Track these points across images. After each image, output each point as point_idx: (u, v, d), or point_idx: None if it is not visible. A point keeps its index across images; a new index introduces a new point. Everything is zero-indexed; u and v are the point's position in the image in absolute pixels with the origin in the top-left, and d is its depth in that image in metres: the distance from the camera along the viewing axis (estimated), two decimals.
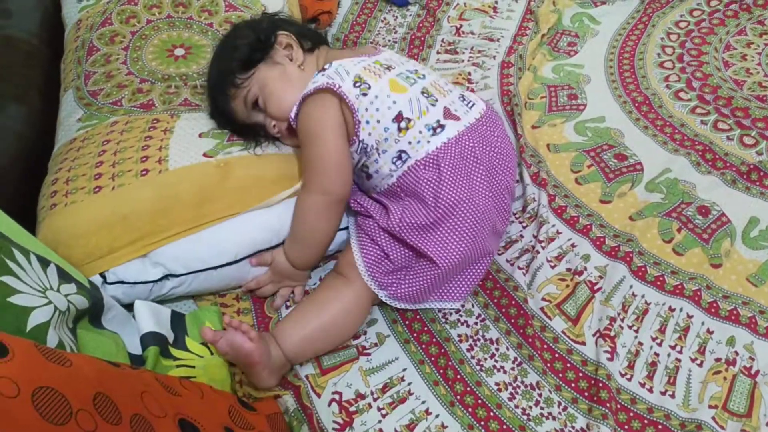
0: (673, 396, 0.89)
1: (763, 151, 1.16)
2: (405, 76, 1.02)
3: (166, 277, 0.96)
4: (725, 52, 1.35)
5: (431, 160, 0.95)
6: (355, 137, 0.99)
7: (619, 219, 1.08)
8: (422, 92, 1.00)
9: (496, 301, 1.00)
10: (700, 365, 0.92)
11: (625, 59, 1.38)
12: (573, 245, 1.05)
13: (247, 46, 1.04)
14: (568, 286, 1.01)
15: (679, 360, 0.92)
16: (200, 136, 1.06)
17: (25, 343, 0.60)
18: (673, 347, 0.94)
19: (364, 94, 0.97)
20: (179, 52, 1.21)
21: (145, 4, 1.26)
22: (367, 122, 0.97)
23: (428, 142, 0.96)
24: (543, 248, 1.05)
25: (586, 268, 1.02)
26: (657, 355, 0.93)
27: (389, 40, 1.49)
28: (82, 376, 0.61)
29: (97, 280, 0.92)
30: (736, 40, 1.37)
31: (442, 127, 0.97)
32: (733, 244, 1.03)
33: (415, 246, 0.94)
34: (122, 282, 0.93)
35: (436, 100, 1.00)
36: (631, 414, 0.88)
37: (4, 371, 0.54)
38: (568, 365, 0.93)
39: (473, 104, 1.04)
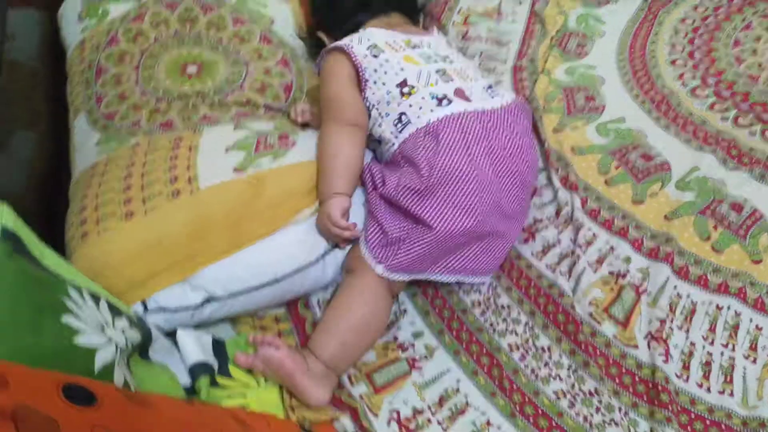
0: (731, 394, 0.89)
1: (729, 118, 1.17)
2: (427, 56, 1.08)
3: (207, 300, 0.93)
4: (735, 47, 1.36)
5: (431, 129, 0.97)
6: (362, 93, 1.06)
7: (654, 219, 1.08)
8: (437, 70, 1.05)
9: (542, 308, 0.99)
10: (754, 362, 0.92)
11: (637, 58, 1.38)
12: (612, 248, 1.05)
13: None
14: (612, 289, 1.00)
15: (732, 358, 0.92)
16: (227, 150, 1.03)
17: (107, 388, 0.57)
18: (725, 345, 0.93)
19: (375, 56, 1.06)
20: (192, 69, 1.17)
21: (152, 21, 1.23)
22: (374, 82, 1.05)
23: (431, 110, 0.99)
24: (583, 252, 1.04)
25: (628, 271, 1.02)
26: (710, 354, 0.93)
27: None
28: (165, 418, 0.58)
29: (137, 308, 0.89)
30: (745, 35, 1.38)
31: (449, 101, 1.00)
32: None
33: (409, 209, 0.93)
34: (164, 309, 0.90)
35: (452, 80, 1.04)
36: (693, 415, 0.88)
37: (97, 419, 0.51)
38: (624, 370, 0.92)
39: (497, 96, 1.05)
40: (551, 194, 1.14)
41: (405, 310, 1.01)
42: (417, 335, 0.98)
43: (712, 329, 0.95)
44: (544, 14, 1.50)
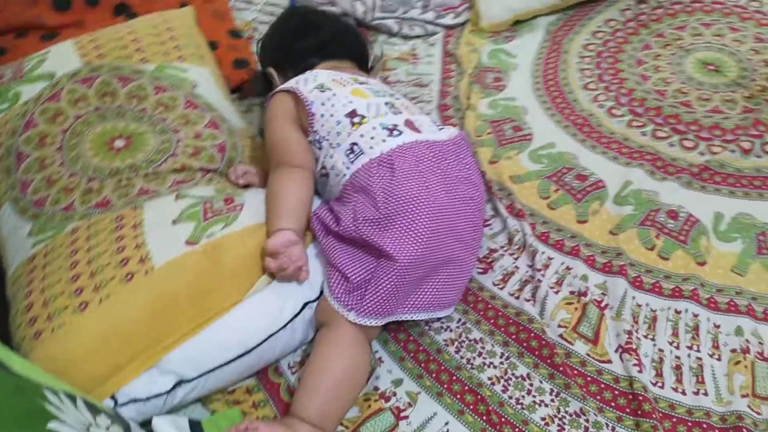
0: (705, 394, 0.93)
1: (705, 151, 1.26)
2: (375, 90, 1.10)
3: (178, 383, 0.88)
4: (638, 66, 1.46)
5: (385, 160, 0.97)
6: (310, 128, 1.06)
7: (601, 235, 1.12)
8: (386, 103, 1.07)
9: (514, 337, 1.00)
10: (719, 359, 0.96)
11: (552, 86, 1.46)
12: (568, 268, 1.08)
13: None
14: (576, 308, 1.03)
15: (699, 359, 0.96)
16: (174, 223, 0.99)
17: None
18: (690, 347, 0.98)
19: (322, 91, 1.07)
20: (119, 143, 1.13)
21: (69, 99, 1.17)
22: (322, 115, 1.05)
23: (383, 141, 0.99)
24: (542, 276, 1.07)
25: (588, 288, 1.05)
26: (678, 358, 0.97)
27: None
28: None
29: (108, 403, 0.82)
30: (645, 54, 1.49)
31: (400, 132, 1.01)
32: (709, 240, 1.10)
33: (370, 241, 0.92)
34: (135, 400, 0.85)
35: (400, 112, 1.06)
36: (674, 420, 0.90)
37: None
38: (603, 386, 0.94)
39: (443, 129, 1.08)
40: (500, 223, 1.17)
41: (381, 359, 1.00)
42: (397, 383, 0.97)
43: (675, 333, 0.99)
44: (457, 53, 1.56)
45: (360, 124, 1.02)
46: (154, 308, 0.88)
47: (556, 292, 1.05)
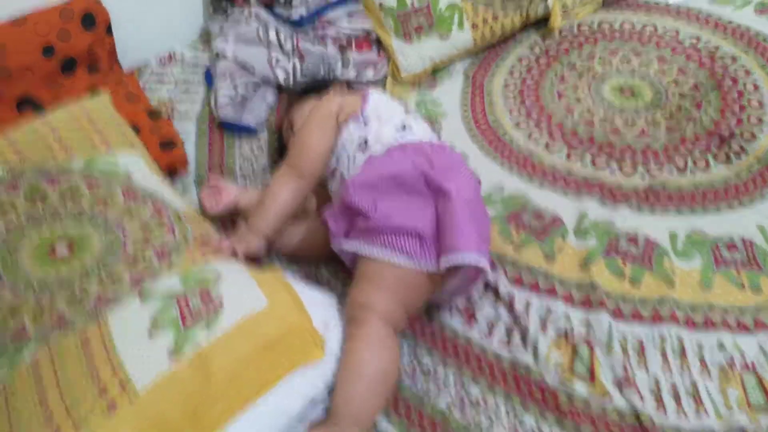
0: (706, 413, 0.95)
1: (644, 174, 1.32)
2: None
3: None
4: (560, 99, 1.52)
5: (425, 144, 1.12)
6: (361, 109, 1.16)
7: (572, 271, 1.14)
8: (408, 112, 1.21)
9: (515, 390, 0.99)
10: (710, 376, 0.99)
11: (485, 129, 1.48)
12: (548, 309, 1.09)
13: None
14: (567, 349, 1.03)
15: (693, 380, 0.99)
16: (150, 334, 0.90)
17: None
18: (681, 370, 1.00)
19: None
20: (62, 250, 1.03)
21: None
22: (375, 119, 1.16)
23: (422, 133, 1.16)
24: (527, 320, 1.07)
25: (572, 327, 1.06)
26: (673, 383, 0.99)
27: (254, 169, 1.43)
28: None
29: None
30: (564, 87, 1.56)
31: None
32: (671, 261, 1.15)
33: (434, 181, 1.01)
34: None
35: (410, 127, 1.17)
36: None
37: None
38: (610, 424, 0.94)
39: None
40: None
41: None
42: None
43: (665, 358, 1.02)
44: None
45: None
46: None
47: (545, 335, 1.05)
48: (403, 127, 1.13)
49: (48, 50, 1.43)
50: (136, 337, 0.89)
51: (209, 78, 1.64)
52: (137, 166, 1.23)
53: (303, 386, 0.89)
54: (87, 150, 1.19)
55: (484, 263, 0.97)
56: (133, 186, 1.16)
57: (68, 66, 1.49)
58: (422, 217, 0.99)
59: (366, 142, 1.12)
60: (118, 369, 0.85)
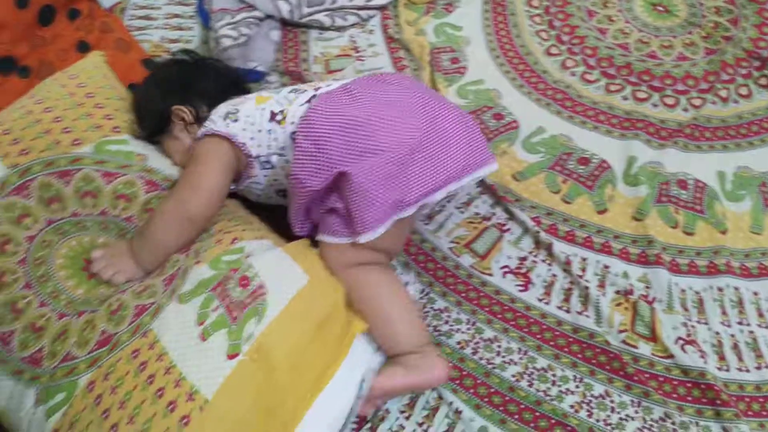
0: (767, 366, 0.98)
1: (687, 106, 1.27)
2: (277, 91, 1.06)
3: None
4: (591, 18, 1.43)
5: (338, 90, 0.98)
6: (250, 157, 1.01)
7: (625, 224, 1.12)
8: (291, 91, 1.04)
9: (581, 356, 1.00)
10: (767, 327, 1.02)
11: (514, 59, 1.40)
12: (605, 266, 1.08)
13: (148, 119, 1.09)
14: (627, 308, 1.04)
15: (752, 332, 1.01)
16: (202, 338, 0.87)
17: None
18: (740, 323, 1.02)
19: (235, 121, 1.01)
20: None
21: (10, 218, 0.96)
22: (251, 138, 1.00)
23: (300, 105, 0.99)
24: (585, 280, 1.06)
25: (632, 285, 1.06)
26: (733, 336, 1.01)
27: None
28: None
29: None
30: (592, 4, 1.46)
31: (315, 95, 1.00)
32: (722, 204, 1.14)
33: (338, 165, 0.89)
34: None
35: (305, 90, 1.03)
36: (747, 399, 0.96)
37: None
38: (676, 383, 0.97)
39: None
40: (519, 227, 1.13)
41: (459, 410, 0.97)
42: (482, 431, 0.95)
43: (724, 312, 1.03)
44: (403, 38, 1.45)
45: (284, 118, 0.99)
46: None
47: (605, 295, 1.05)
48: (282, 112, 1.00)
49: (22, 1, 1.27)
50: (187, 343, 0.86)
51: (203, 13, 1.50)
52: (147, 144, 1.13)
53: (359, 357, 0.91)
54: (92, 132, 1.08)
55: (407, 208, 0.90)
56: (150, 172, 1.06)
57: (46, 15, 1.33)
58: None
59: (283, 153, 1.01)
60: (181, 381, 0.82)
